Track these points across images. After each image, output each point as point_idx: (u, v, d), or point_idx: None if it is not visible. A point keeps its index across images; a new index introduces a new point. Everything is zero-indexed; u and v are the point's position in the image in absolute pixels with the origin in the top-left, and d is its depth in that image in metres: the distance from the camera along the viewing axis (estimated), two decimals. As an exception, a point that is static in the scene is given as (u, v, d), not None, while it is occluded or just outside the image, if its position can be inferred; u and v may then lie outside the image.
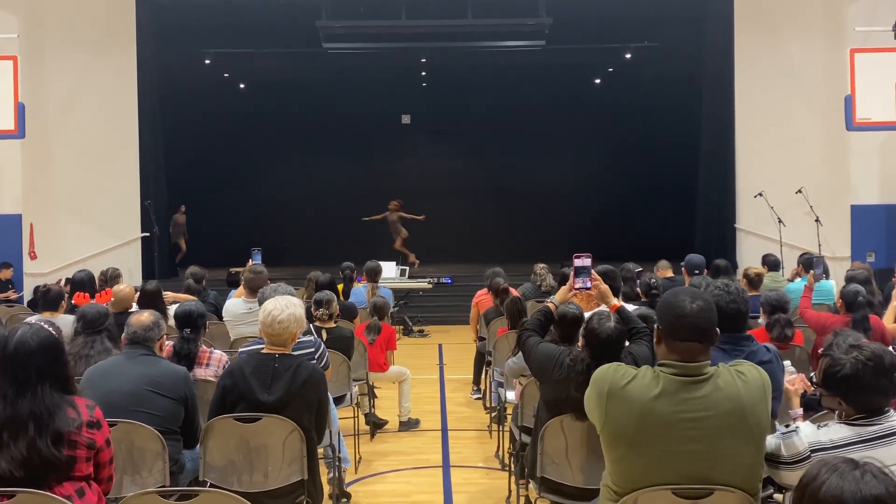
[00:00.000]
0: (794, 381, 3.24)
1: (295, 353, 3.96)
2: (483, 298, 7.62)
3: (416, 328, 11.66)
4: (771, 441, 2.44)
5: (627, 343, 3.51)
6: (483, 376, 7.31)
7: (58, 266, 11.82)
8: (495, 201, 16.04)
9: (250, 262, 6.84)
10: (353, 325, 6.63)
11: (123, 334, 3.65)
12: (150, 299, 5.82)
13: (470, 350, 8.13)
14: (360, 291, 8.14)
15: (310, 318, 5.62)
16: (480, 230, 15.84)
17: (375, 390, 6.86)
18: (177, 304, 6.21)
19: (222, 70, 14.67)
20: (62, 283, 8.82)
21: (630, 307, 4.28)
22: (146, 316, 3.68)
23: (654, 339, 2.46)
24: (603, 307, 3.82)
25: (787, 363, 3.26)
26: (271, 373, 3.40)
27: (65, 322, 5.15)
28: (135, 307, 6.19)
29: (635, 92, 14.92)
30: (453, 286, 12.90)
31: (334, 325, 5.59)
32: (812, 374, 3.24)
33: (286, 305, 3.49)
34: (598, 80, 15.46)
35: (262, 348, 3.57)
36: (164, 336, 3.74)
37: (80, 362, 4.11)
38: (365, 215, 15.53)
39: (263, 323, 3.48)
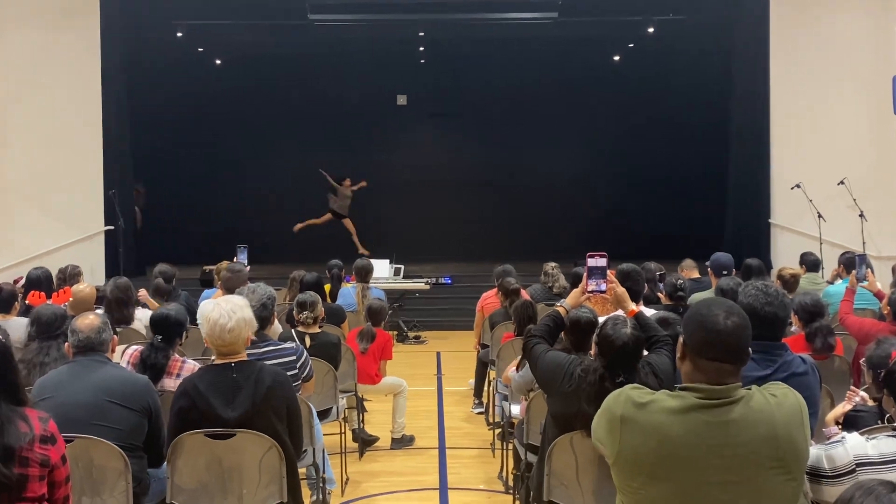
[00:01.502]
0: (848, 397, 3.21)
1: (273, 361, 3.95)
2: (490, 302, 7.60)
3: (411, 334, 11.67)
4: (812, 452, 2.43)
5: (646, 352, 3.51)
6: (486, 388, 7.31)
7: (11, 263, 11.81)
8: (501, 192, 16.02)
9: (235, 261, 6.86)
10: (340, 331, 6.64)
11: (69, 341, 3.62)
12: (118, 297, 5.86)
13: (471, 359, 8.14)
14: (349, 293, 8.14)
15: (292, 321, 5.64)
16: (484, 224, 15.83)
17: (365, 403, 6.86)
18: (142, 310, 6.26)
19: (196, 44, 14.65)
20: (21, 281, 8.80)
21: (649, 312, 4.29)
22: (93, 317, 3.66)
23: (678, 355, 2.43)
24: (619, 312, 3.83)
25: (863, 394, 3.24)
26: (231, 385, 3.37)
27: (17, 325, 5.17)
28: (100, 311, 6.22)
29: (658, 71, 14.89)
30: (453, 287, 12.89)
31: (319, 331, 5.59)
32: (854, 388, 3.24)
33: (232, 310, 3.43)
34: (616, 58, 15.42)
35: (214, 359, 3.53)
36: (115, 338, 3.74)
37: (35, 371, 4.11)
38: (356, 204, 15.51)
39: (210, 335, 3.42)
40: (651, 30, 13.96)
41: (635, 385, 2.46)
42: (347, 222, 14.63)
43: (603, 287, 3.74)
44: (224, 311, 3.43)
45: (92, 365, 3.53)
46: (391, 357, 6.63)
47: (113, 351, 3.71)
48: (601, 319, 3.77)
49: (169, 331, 4.25)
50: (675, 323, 3.92)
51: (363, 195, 15.03)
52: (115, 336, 3.73)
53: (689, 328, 2.40)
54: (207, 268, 11.91)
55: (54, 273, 7.28)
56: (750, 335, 2.38)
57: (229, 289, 5.76)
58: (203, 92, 15.22)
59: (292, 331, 5.40)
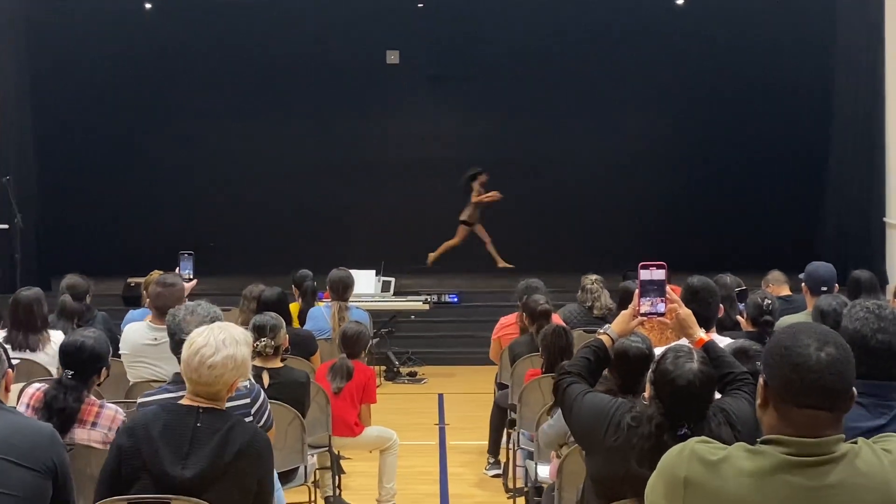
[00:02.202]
0: None
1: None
2: (509, 331, 7.61)
3: (404, 370, 11.68)
4: None
5: (718, 395, 3.50)
6: (504, 442, 7.30)
7: None
8: (523, 181, 15.98)
9: (178, 272, 6.85)
10: (309, 365, 6.64)
11: None
12: (24, 312, 5.94)
13: (485, 403, 8.13)
14: (322, 314, 8.16)
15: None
16: (502, 223, 15.78)
17: (342, 462, 6.85)
18: (58, 332, 6.28)
19: (119, -17, 14.71)
20: None
21: (724, 341, 4.28)
22: None
23: (758, 400, 2.45)
24: (682, 341, 3.82)
25: None
26: (190, 435, 3.41)
27: None
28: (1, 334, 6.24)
29: (736, 20, 14.88)
30: (461, 307, 12.89)
31: (281, 365, 5.60)
32: None
33: (224, 342, 3.49)
34: (679, 1, 15.44)
35: (180, 397, 3.57)
36: (10, 372, 3.74)
37: None
38: (331, 197, 15.50)
39: (187, 363, 3.48)
40: (726, -35, 14.00)
41: (703, 438, 2.46)
42: (480, 230, 14.67)
43: (661, 308, 3.74)
44: (213, 339, 3.48)
45: (-24, 409, 3.54)
46: (375, 400, 6.64)
47: (7, 390, 3.72)
48: (658, 351, 3.77)
49: (83, 365, 4.27)
50: (758, 356, 3.91)
51: (341, 181, 15.04)
52: (10, 370, 3.74)
53: (771, 364, 2.41)
54: (133, 281, 11.93)
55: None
56: (853, 372, 2.38)
57: (160, 307, 5.77)
58: (129, 48, 15.21)
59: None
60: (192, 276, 6.94)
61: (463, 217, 14.62)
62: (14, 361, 5.46)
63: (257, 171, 15.75)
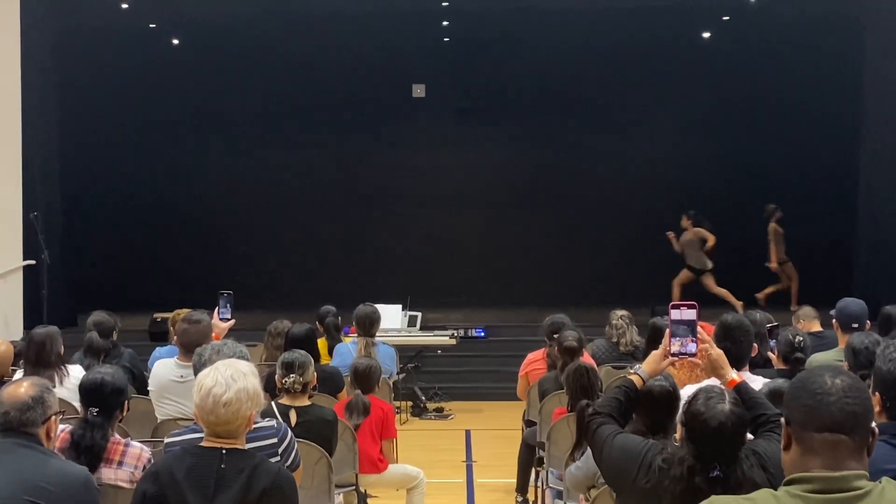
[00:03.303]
0: None
1: (249, 445, 3.97)
2: (537, 367, 7.58)
3: (430, 405, 11.65)
4: None
5: (750, 437, 3.48)
6: (533, 480, 7.26)
7: None
8: (551, 214, 16.00)
9: (217, 312, 6.85)
10: (336, 403, 6.63)
11: None
12: (36, 350, 5.95)
13: (513, 439, 8.11)
14: (348, 350, 8.14)
15: (271, 389, 5.65)
16: (528, 258, 15.80)
17: (369, 501, 6.83)
18: (76, 367, 6.30)
19: (146, 18, 14.83)
20: None
21: (758, 382, 4.25)
22: (25, 388, 3.69)
23: (782, 444, 2.46)
24: (713, 380, 3.80)
25: None
26: (214, 478, 3.42)
27: None
28: (19, 374, 6.26)
29: (762, 50, 14.89)
30: (488, 342, 12.86)
31: (309, 403, 5.60)
32: None
33: (232, 377, 3.50)
34: (706, 35, 15.46)
35: (201, 439, 3.59)
36: (56, 416, 3.76)
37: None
38: (357, 230, 15.55)
39: (201, 407, 3.49)
40: (753, -1, 14.02)
41: (722, 497, 2.46)
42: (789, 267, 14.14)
43: (692, 349, 3.72)
44: (222, 377, 3.49)
45: (12, 451, 3.55)
46: (395, 434, 6.63)
47: (49, 436, 3.73)
48: (689, 389, 3.75)
49: (106, 401, 4.28)
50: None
51: (368, 214, 15.05)
52: (54, 416, 3.75)
53: (791, 400, 2.46)
54: (159, 316, 11.94)
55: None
56: (869, 405, 2.42)
57: (185, 344, 5.79)
58: (155, 82, 15.39)
59: (272, 403, 5.40)
60: (230, 317, 6.83)
61: (781, 258, 14.07)
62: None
63: (283, 206, 15.86)
